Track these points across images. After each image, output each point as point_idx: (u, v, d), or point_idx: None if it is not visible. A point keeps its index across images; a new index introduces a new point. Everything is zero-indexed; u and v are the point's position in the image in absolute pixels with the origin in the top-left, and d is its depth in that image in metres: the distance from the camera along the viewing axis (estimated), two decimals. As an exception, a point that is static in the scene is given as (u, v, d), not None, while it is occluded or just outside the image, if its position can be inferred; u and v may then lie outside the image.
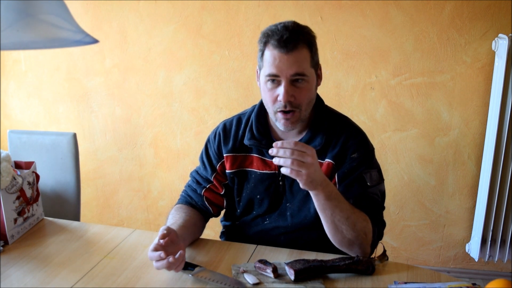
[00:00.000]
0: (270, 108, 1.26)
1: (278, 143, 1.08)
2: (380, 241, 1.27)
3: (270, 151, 1.09)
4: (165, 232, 1.13)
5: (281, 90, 1.19)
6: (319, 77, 1.29)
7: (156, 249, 1.10)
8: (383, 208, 1.31)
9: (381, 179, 1.31)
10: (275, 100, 1.22)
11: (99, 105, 2.54)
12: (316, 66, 1.26)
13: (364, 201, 1.24)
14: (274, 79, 1.20)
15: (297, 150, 1.06)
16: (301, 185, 1.10)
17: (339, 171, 1.28)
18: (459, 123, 2.18)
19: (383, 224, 1.29)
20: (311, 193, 1.15)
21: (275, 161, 1.09)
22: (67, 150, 1.84)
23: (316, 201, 1.15)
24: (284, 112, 1.22)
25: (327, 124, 1.30)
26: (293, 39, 1.17)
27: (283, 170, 1.08)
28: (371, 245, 1.23)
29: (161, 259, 1.08)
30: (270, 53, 1.19)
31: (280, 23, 1.21)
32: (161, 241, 1.11)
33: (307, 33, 1.22)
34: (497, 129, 2.04)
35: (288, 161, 1.06)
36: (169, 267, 1.09)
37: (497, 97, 2.02)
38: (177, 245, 1.14)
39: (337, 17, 2.15)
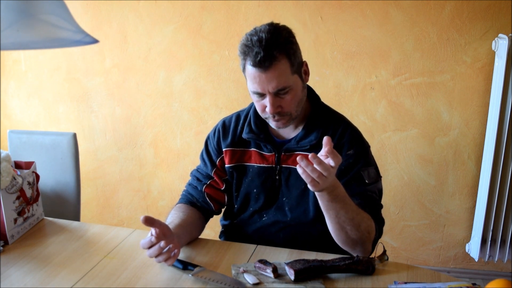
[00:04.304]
0: (261, 115, 1.29)
1: (327, 150, 1.03)
2: (380, 241, 1.27)
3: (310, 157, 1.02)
4: (150, 217, 1.16)
5: (267, 102, 1.22)
6: (305, 73, 1.28)
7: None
8: (381, 206, 1.32)
9: (378, 176, 1.32)
10: (263, 110, 1.25)
11: (99, 105, 2.54)
12: (299, 68, 1.24)
13: (363, 199, 1.24)
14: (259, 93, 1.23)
15: (323, 166, 1.02)
16: (309, 186, 1.08)
17: None
18: (459, 123, 2.18)
19: (382, 222, 1.30)
20: (316, 193, 1.14)
21: (299, 159, 1.04)
22: (67, 150, 1.84)
23: (320, 201, 1.15)
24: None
25: (323, 120, 1.32)
26: (268, 57, 1.15)
27: (300, 171, 1.05)
28: (372, 243, 1.23)
29: (152, 244, 1.12)
30: (250, 70, 1.20)
31: (255, 34, 1.17)
32: (153, 231, 1.15)
33: (282, 42, 1.18)
34: (497, 129, 2.04)
35: (309, 168, 1.03)
36: (162, 255, 1.12)
37: (497, 97, 2.02)
38: (170, 240, 1.15)
39: (337, 17, 2.15)
